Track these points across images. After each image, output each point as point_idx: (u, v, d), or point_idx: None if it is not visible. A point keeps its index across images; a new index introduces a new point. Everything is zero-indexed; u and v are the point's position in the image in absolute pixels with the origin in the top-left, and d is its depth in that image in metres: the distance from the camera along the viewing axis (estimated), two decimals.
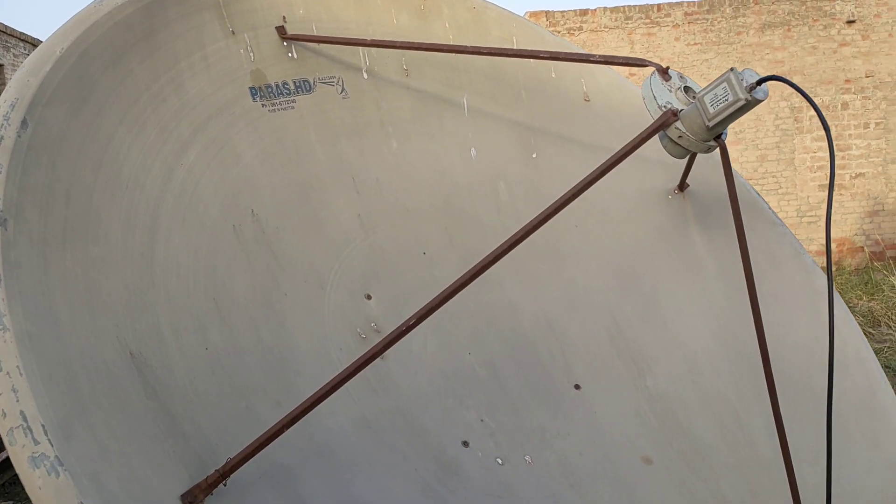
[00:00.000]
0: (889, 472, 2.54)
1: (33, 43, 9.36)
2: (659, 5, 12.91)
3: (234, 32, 2.49)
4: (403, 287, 2.58)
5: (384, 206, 2.70)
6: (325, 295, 2.36)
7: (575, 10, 12.76)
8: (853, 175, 13.54)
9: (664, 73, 1.91)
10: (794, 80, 13.38)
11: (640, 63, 1.98)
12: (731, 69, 1.72)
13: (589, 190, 3.08)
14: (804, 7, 13.15)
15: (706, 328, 2.88)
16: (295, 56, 2.65)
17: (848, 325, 2.91)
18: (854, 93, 13.25)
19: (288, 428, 1.61)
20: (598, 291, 2.91)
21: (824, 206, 13.45)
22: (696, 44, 12.92)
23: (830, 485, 1.96)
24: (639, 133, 1.80)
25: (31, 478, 1.31)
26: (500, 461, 2.30)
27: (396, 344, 2.40)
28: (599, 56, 2.08)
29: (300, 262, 2.35)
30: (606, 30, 12.81)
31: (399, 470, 2.09)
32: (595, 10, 12.82)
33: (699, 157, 3.02)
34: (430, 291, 2.63)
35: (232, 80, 2.44)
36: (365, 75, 2.82)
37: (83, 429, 1.44)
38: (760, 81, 1.70)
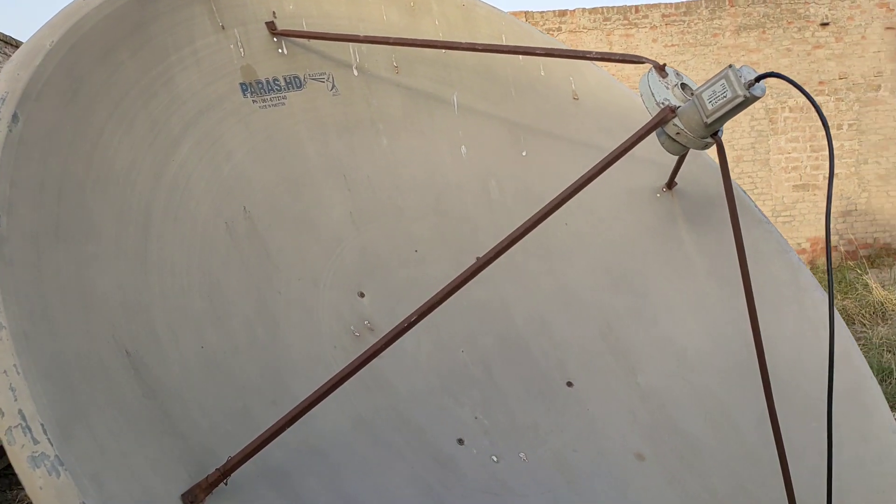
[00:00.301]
0: (877, 466, 2.58)
1: (13, 44, 9.18)
2: (637, 7, 13.01)
3: (223, 27, 2.46)
4: (396, 285, 2.57)
5: (376, 203, 2.68)
6: (318, 293, 2.34)
7: (554, 11, 12.81)
8: (826, 176, 13.71)
9: (661, 69, 1.91)
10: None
11: (636, 60, 1.99)
12: (730, 66, 1.73)
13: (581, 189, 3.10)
14: (779, 9, 13.32)
15: (696, 325, 2.90)
16: (285, 52, 2.62)
17: (835, 321, 2.94)
18: (827, 94, 13.45)
19: (289, 426, 1.59)
20: (588, 289, 2.92)
21: (798, 205, 13.64)
22: (673, 45, 13.03)
23: (831, 484, 1.98)
24: (637, 129, 1.80)
25: (31, 478, 1.28)
26: (495, 458, 2.30)
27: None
28: (595, 53, 2.08)
29: (293, 259, 2.33)
30: (585, 31, 12.88)
31: (396, 468, 2.08)
32: (574, 10, 12.89)
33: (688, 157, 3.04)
34: (422, 289, 2.62)
35: (222, 75, 2.41)
36: (355, 72, 2.80)
37: (82, 428, 1.41)
38: (759, 78, 1.71)
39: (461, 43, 2.52)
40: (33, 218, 1.62)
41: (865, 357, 3.14)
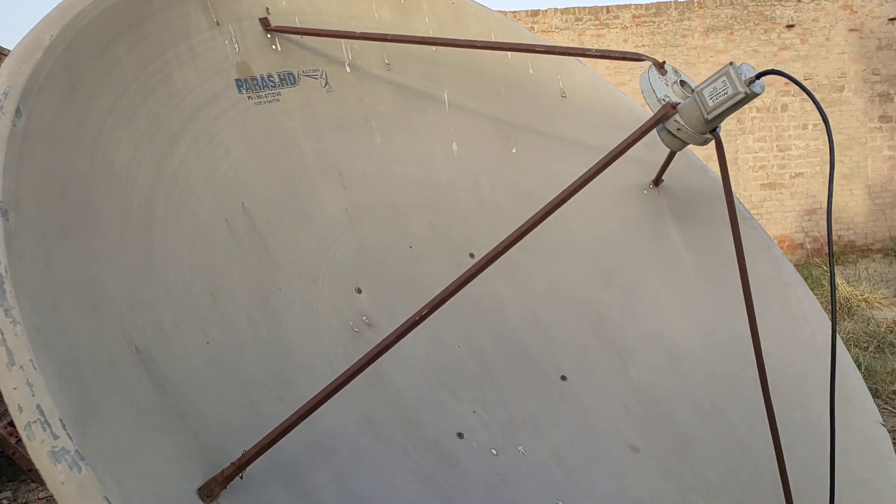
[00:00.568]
0: (862, 457, 2.65)
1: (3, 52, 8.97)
2: (608, 7, 13.14)
3: (218, 23, 2.44)
4: (392, 281, 2.58)
5: (370, 200, 2.68)
6: (317, 289, 2.34)
7: (526, 11, 12.89)
8: (793, 174, 14.00)
9: (660, 67, 1.95)
10: None
11: (636, 57, 2.02)
12: (731, 63, 1.77)
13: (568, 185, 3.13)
14: (746, 11, 13.55)
15: (684, 319, 2.95)
16: (279, 48, 2.61)
17: (817, 314, 3.02)
18: (793, 95, 13.71)
19: (303, 420, 1.60)
20: (579, 285, 2.95)
21: (766, 204, 13.89)
22: (643, 45, 13.18)
23: (833, 482, 2.03)
24: (640, 126, 1.83)
25: (52, 473, 1.27)
26: (494, 452, 2.32)
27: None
28: (595, 50, 2.11)
29: (292, 256, 2.33)
30: (557, 31, 12.98)
31: (400, 463, 2.09)
32: (546, 11, 12.98)
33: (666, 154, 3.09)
34: (418, 285, 2.64)
35: (218, 71, 2.40)
36: (348, 69, 2.81)
37: (97, 424, 1.40)
38: (759, 75, 1.75)
39: (459, 40, 2.54)
40: (39, 214, 1.60)
41: None
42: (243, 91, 2.46)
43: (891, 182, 14.09)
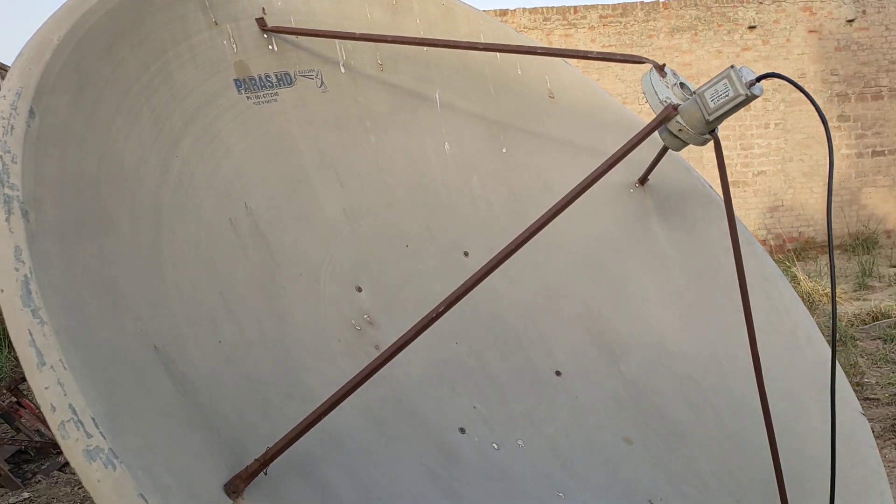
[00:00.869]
0: (845, 445, 2.74)
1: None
2: (575, 8, 13.28)
3: (216, 23, 2.45)
4: (390, 279, 2.61)
5: (367, 199, 2.71)
6: (319, 288, 2.36)
7: (495, 11, 12.97)
8: (755, 173, 14.31)
9: (660, 69, 2.01)
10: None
11: (637, 60, 2.08)
12: (731, 67, 1.84)
13: (558, 184, 3.19)
14: (709, 13, 13.81)
15: (672, 315, 3.03)
16: (276, 49, 2.63)
17: (798, 308, 3.12)
18: None
19: (325, 416, 1.62)
20: (570, 282, 3.02)
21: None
22: (610, 45, 13.35)
23: (833, 482, 2.11)
24: (644, 127, 1.89)
25: (88, 471, 1.28)
26: (495, 446, 2.37)
27: (390, 334, 2.44)
28: (597, 53, 2.16)
29: (294, 255, 2.35)
30: (526, 30, 13.08)
31: (405, 457, 2.12)
32: (514, 10, 13.08)
33: (649, 152, 3.17)
34: (415, 283, 2.68)
35: (217, 71, 2.41)
36: (342, 69, 2.83)
37: (126, 422, 1.41)
38: (759, 78, 1.83)
39: (462, 42, 2.58)
40: (57, 214, 1.61)
41: None
42: (242, 91, 2.47)
43: (849, 180, 14.48)
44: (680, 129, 1.95)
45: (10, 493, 5.06)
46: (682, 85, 2.00)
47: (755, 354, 2.18)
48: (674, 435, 2.67)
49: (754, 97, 1.83)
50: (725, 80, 1.84)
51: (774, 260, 12.19)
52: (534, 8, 13.08)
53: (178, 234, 2.00)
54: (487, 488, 2.22)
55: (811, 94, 1.90)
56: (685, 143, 1.99)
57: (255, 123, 2.46)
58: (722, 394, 2.82)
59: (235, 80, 2.46)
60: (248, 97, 2.48)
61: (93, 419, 1.33)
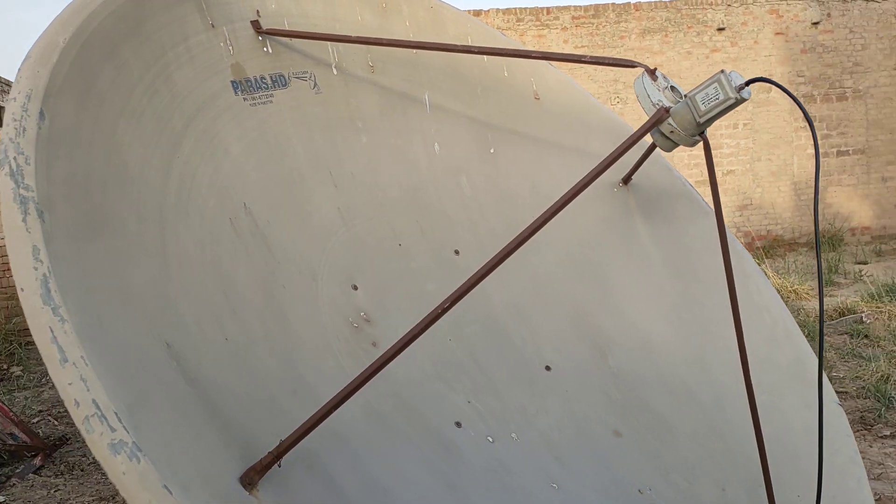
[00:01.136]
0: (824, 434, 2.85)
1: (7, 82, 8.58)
2: (548, 9, 13.40)
3: (213, 25, 2.48)
4: (384, 277, 2.66)
5: (360, 199, 2.76)
6: (317, 287, 2.40)
7: (469, 11, 13.04)
8: (724, 172, 14.55)
9: (652, 73, 2.09)
10: None
11: (629, 64, 2.15)
12: (722, 71, 1.92)
13: (545, 184, 3.26)
14: (679, 14, 14.02)
15: (655, 311, 3.11)
16: (270, 51, 2.66)
17: (777, 304, 3.22)
18: None
19: (334, 410, 1.67)
20: (558, 280, 3.09)
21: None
22: (583, 46, 13.50)
23: (821, 477, 2.20)
24: (639, 128, 1.97)
25: (113, 464, 1.31)
26: (490, 439, 2.43)
27: (386, 331, 2.49)
28: (590, 57, 2.23)
29: (292, 254, 2.39)
30: (499, 31, 13.16)
31: (406, 451, 2.18)
32: (488, 11, 13.16)
33: (632, 153, 3.25)
34: (408, 282, 2.73)
35: (214, 72, 2.44)
36: (334, 71, 2.87)
37: (145, 417, 1.45)
38: (748, 83, 1.91)
39: (457, 45, 2.63)
40: (69, 215, 1.64)
41: None
42: (239, 92, 2.50)
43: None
44: (672, 131, 2.03)
45: None
46: (672, 88, 2.08)
47: (742, 348, 2.27)
48: (660, 427, 2.76)
49: (743, 100, 1.91)
50: (716, 84, 1.92)
51: None
52: (507, 9, 13.18)
53: (181, 233, 2.03)
54: (484, 480, 2.28)
55: (798, 99, 1.98)
56: (676, 144, 2.07)
57: (252, 124, 2.49)
58: (702, 386, 2.91)
59: (232, 82, 2.49)
60: (244, 98, 2.51)
61: (115, 414, 1.36)
